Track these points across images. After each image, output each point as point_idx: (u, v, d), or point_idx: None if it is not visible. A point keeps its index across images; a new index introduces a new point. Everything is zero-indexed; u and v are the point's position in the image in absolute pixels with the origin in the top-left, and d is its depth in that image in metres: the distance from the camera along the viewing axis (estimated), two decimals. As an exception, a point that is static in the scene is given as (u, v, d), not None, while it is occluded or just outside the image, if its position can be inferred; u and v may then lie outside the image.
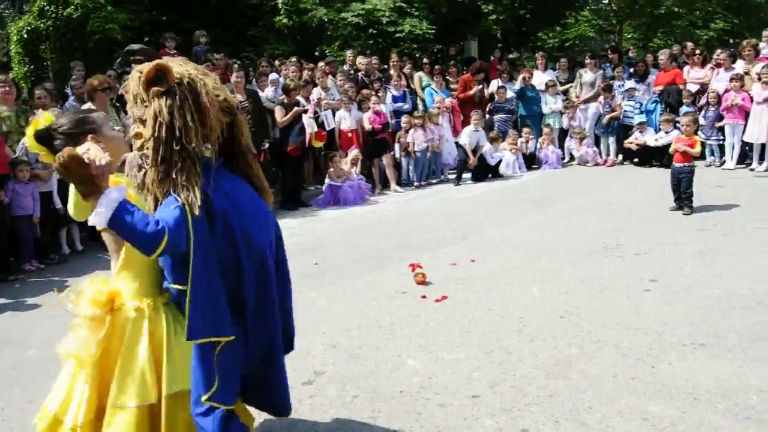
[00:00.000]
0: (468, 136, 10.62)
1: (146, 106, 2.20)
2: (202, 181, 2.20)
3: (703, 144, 10.23)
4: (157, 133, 2.16)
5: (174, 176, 2.17)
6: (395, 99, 11.51)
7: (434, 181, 10.86)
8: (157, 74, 2.18)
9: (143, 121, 2.22)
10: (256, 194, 2.48)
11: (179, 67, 2.25)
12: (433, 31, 13.51)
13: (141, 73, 2.21)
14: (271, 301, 2.47)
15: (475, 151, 10.61)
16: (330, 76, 10.98)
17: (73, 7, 12.73)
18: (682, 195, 7.48)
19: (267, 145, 9.32)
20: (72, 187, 2.27)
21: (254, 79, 10.34)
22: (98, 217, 2.09)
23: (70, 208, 2.41)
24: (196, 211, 2.15)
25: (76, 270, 6.47)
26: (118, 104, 8.19)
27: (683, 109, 10.59)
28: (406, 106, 11.54)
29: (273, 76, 10.41)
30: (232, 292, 2.31)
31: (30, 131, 2.44)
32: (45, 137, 2.41)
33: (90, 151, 2.10)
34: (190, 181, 2.17)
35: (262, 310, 2.44)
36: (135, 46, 2.16)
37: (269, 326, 2.48)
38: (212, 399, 2.31)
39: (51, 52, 13.50)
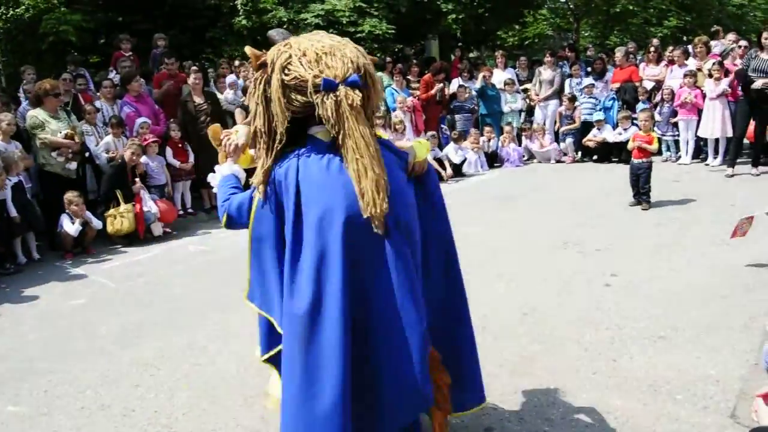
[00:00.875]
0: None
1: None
2: (267, 164, 2.24)
3: (659, 140, 10.48)
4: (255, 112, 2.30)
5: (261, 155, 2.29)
6: (357, 99, 11.49)
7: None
8: (264, 60, 2.26)
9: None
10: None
11: (275, 49, 2.26)
12: (393, 31, 13.54)
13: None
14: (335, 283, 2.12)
15: (439, 160, 10.68)
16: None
17: (24, 7, 12.39)
18: (641, 190, 7.63)
19: (227, 149, 9.20)
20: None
21: (212, 81, 10.21)
22: (212, 181, 2.60)
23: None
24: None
25: (32, 280, 6.31)
26: (69, 109, 8.02)
27: (640, 105, 10.80)
28: None
29: (230, 78, 10.29)
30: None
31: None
32: None
33: (233, 131, 2.51)
34: (263, 162, 2.25)
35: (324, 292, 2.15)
36: (273, 32, 2.27)
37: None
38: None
39: (2, 55, 13.14)
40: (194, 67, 9.33)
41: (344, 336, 2.08)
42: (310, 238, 2.14)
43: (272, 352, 2.41)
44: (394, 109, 11.53)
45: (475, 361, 2.68)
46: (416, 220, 2.31)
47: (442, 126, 12.02)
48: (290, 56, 2.14)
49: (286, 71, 2.13)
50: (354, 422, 2.12)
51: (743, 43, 10.22)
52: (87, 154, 7.80)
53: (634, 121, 9.89)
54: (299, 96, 2.12)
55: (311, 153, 2.19)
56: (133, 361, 4.20)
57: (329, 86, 2.05)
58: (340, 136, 2.09)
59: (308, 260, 2.14)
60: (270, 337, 2.41)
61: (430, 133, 11.15)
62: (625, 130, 10.36)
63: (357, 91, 2.08)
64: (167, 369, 4.05)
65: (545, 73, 12.27)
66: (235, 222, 2.45)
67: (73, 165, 7.51)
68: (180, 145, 8.74)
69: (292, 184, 2.18)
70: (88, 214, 7.28)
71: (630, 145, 7.91)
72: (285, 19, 14.19)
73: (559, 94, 12.13)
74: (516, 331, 4.21)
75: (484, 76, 12.20)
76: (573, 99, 11.70)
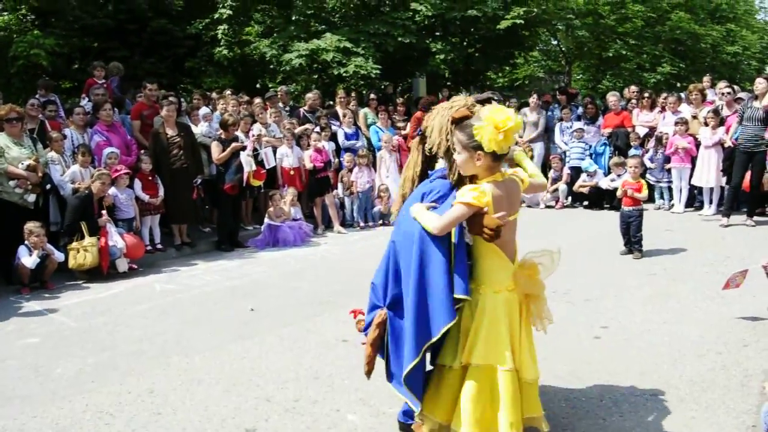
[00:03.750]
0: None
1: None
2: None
3: (652, 187, 10.61)
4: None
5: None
6: (348, 137, 11.57)
7: (379, 222, 10.87)
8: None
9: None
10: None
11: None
12: (379, 71, 13.68)
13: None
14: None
15: None
16: (271, 111, 10.95)
17: (-6, 28, 12.43)
18: (632, 239, 7.67)
19: (200, 181, 9.16)
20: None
21: (185, 114, 10.19)
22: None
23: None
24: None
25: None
26: (35, 136, 7.94)
27: (632, 151, 10.96)
28: (359, 144, 11.60)
29: (204, 110, 10.29)
30: None
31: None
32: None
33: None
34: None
35: None
36: (488, 94, 2.71)
37: None
38: None
39: (-32, 78, 13.10)
40: (170, 98, 9.31)
41: None
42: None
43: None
44: (379, 149, 11.60)
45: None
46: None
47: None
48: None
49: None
50: None
51: (726, 90, 10.41)
52: (48, 186, 7.68)
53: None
54: None
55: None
56: (87, 408, 4.05)
57: None
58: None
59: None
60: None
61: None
62: (618, 176, 10.43)
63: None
64: (124, 418, 3.91)
65: (530, 115, 12.48)
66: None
67: (32, 197, 7.35)
68: (150, 178, 8.67)
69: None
70: (50, 246, 7.16)
71: (619, 193, 7.97)
72: (268, 54, 14.29)
73: (544, 136, 12.31)
74: (500, 385, 4.13)
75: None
76: (560, 159, 11.93)
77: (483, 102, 3.06)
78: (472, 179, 3.00)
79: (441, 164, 3.18)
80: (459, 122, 2.94)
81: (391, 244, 3.12)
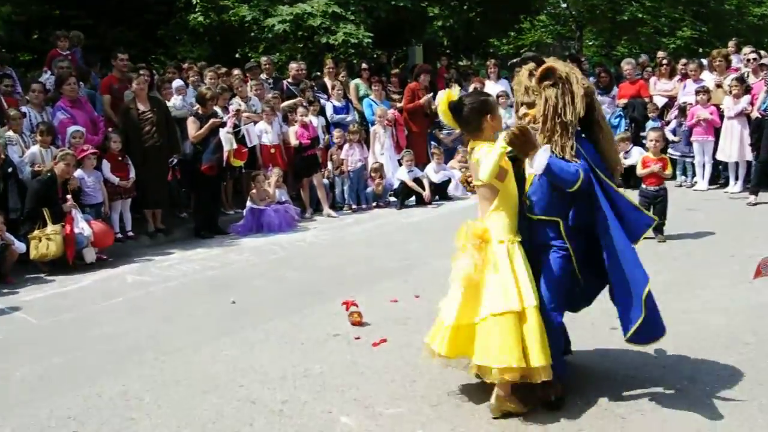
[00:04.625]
0: (406, 173, 10.69)
1: (536, 95, 3.70)
2: (572, 143, 3.63)
3: (673, 162, 10.55)
4: (546, 111, 3.66)
5: (555, 139, 3.64)
6: (337, 110, 11.51)
7: (373, 204, 10.82)
8: (547, 72, 3.65)
9: (529, 105, 3.75)
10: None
11: (561, 66, 3.70)
12: (371, 39, 13.55)
13: (532, 71, 3.72)
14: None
15: (418, 181, 10.67)
16: (251, 84, 10.86)
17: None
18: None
19: (175, 161, 9.08)
20: (494, 158, 3.47)
21: (155, 87, 10.09)
22: (538, 164, 3.47)
23: (487, 173, 3.51)
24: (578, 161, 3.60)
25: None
26: None
27: (650, 124, 10.90)
28: (350, 118, 11.54)
29: (177, 83, 10.18)
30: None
31: (444, 100, 3.76)
32: (456, 108, 3.73)
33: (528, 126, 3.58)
34: (566, 143, 3.62)
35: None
36: (530, 54, 3.59)
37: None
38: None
39: None
40: (138, 72, 9.21)
41: None
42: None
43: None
44: (373, 123, 11.53)
45: None
46: None
47: (432, 143, 12.02)
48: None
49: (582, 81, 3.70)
50: None
51: (752, 56, 10.35)
52: (10, 170, 7.60)
53: (644, 141, 9.93)
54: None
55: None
56: (52, 415, 4.03)
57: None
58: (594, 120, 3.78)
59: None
60: None
61: (405, 151, 11.16)
62: (626, 153, 10.28)
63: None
64: (94, 424, 3.88)
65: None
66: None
67: None
68: (120, 159, 8.60)
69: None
70: (8, 235, 7.11)
71: (640, 172, 7.87)
72: (248, 19, 14.15)
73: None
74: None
75: (475, 88, 12.24)
76: None
77: (523, 62, 3.84)
78: None
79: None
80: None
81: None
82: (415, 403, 3.92)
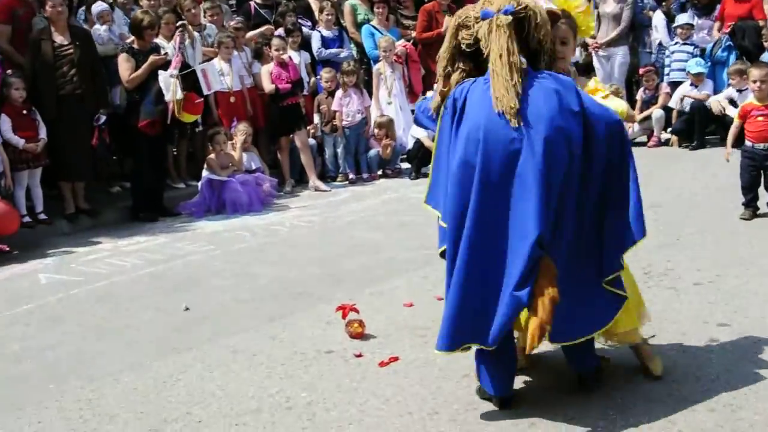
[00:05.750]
0: (421, 130, 10.67)
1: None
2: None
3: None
4: None
5: None
6: (326, 43, 11.49)
7: (378, 173, 10.84)
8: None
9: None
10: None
11: None
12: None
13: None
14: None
15: None
16: (206, 6, 10.85)
17: None
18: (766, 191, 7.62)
19: (104, 119, 9.08)
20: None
21: (77, 11, 10.09)
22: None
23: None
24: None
25: None
26: None
27: (765, 56, 10.86)
28: (344, 54, 11.53)
29: (99, 5, 10.12)
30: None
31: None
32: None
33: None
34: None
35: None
36: None
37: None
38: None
39: None
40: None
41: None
42: (459, 150, 3.91)
43: (442, 249, 4.24)
44: (376, 60, 11.51)
45: (589, 303, 4.07)
46: (562, 143, 3.78)
47: None
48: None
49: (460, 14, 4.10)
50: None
51: None
52: None
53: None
54: (466, 31, 4.00)
55: (483, 80, 3.94)
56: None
57: (486, 15, 3.87)
58: (486, 53, 3.88)
59: (453, 169, 3.95)
60: (443, 234, 4.17)
61: (421, 98, 11.13)
62: (740, 92, 10.32)
63: (509, 17, 3.82)
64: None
65: (607, 4, 12.28)
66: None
67: None
68: (25, 113, 8.62)
69: (460, 102, 3.97)
70: None
71: (737, 122, 7.86)
72: None
73: (629, 37, 12.19)
74: (568, 412, 4.15)
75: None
76: (655, 71, 11.80)
77: None
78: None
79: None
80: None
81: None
82: (439, 443, 3.96)
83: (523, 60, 3.88)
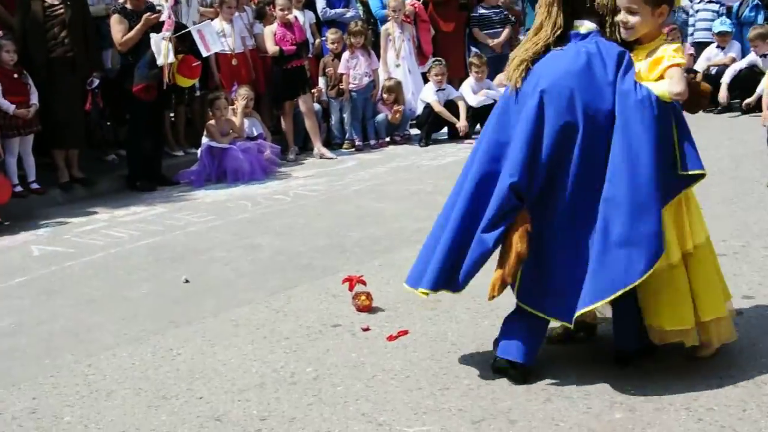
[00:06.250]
0: (433, 93, 10.64)
1: None
2: None
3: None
4: None
5: None
6: (332, 2, 11.44)
7: (386, 139, 10.81)
8: None
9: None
10: None
11: None
12: None
13: None
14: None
15: (451, 105, 10.64)
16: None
17: None
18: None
19: (97, 83, 9.05)
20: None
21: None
22: None
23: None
24: None
25: None
26: None
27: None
28: (351, 13, 11.48)
29: None
30: None
31: None
32: None
33: None
34: None
35: None
36: None
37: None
38: None
39: None
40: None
41: None
42: None
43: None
44: (384, 20, 11.45)
45: (569, 281, 4.04)
46: (564, 99, 3.92)
47: (471, 49, 11.95)
48: None
49: None
50: None
51: None
52: None
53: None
54: None
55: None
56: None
57: None
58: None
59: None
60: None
61: (432, 60, 11.08)
62: (764, 57, 10.22)
63: None
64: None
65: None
66: None
67: None
68: (15, 77, 8.59)
69: None
70: None
71: (761, 87, 7.83)
72: None
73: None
74: (584, 389, 4.13)
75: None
76: (679, 31, 11.73)
77: None
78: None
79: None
80: None
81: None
82: (449, 419, 3.90)
83: (588, 24, 4.04)
